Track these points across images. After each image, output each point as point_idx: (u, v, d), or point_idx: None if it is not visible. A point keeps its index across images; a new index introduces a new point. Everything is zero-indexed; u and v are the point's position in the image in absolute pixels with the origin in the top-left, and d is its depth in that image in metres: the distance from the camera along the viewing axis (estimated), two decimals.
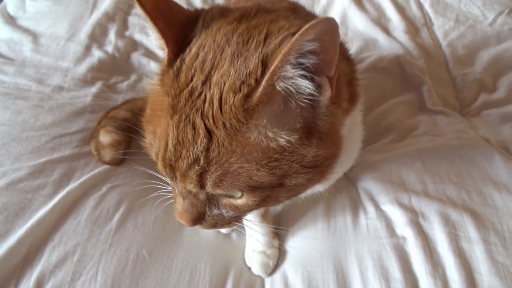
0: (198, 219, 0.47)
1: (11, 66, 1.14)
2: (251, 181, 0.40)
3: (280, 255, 0.81)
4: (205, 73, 0.42)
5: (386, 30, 1.28)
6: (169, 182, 0.49)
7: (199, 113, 0.41)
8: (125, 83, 1.16)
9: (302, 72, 0.38)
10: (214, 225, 0.48)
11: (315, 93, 0.41)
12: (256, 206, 0.45)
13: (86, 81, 1.12)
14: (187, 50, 0.44)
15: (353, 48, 1.25)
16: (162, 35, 0.43)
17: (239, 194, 0.43)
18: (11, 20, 1.35)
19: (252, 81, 0.39)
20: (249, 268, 0.81)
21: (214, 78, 0.41)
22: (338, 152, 0.46)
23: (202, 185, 0.42)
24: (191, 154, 0.40)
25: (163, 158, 0.43)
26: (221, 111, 0.40)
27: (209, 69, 0.42)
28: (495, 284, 0.65)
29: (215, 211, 0.46)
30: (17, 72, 1.12)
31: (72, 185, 0.85)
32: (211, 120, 0.40)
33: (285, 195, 0.46)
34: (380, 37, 1.25)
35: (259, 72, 0.39)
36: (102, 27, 1.30)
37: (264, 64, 0.39)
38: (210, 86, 0.41)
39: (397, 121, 1.04)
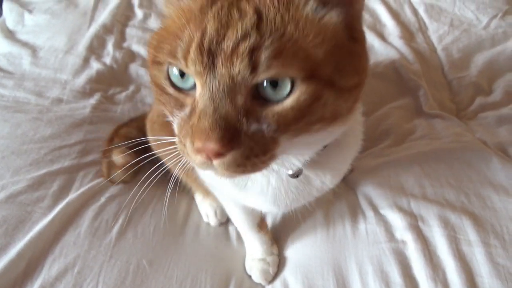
0: (232, 138, 0.36)
1: (10, 79, 1.15)
2: (309, 60, 0.36)
3: (280, 262, 0.81)
4: None
5: (381, 36, 1.29)
6: (189, 94, 0.40)
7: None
8: (123, 94, 1.17)
9: None
10: (248, 155, 0.37)
11: None
12: (305, 109, 0.37)
13: (85, 93, 1.13)
14: None
15: None
16: None
17: (286, 90, 0.37)
18: (10, 34, 1.36)
19: None
20: (250, 276, 0.81)
21: None
22: (364, 75, 0.44)
23: (254, 64, 0.35)
24: (239, 30, 0.36)
25: (199, 46, 0.36)
26: None
27: None
28: (496, 287, 0.65)
29: (254, 126, 0.37)
30: (16, 85, 1.13)
31: (71, 196, 0.86)
32: (258, 0, 0.38)
33: (332, 104, 0.39)
34: (376, 42, 1.27)
35: None
36: (100, 39, 1.31)
37: None
38: None
39: (394, 125, 1.05)
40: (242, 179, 0.57)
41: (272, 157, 0.39)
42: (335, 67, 0.38)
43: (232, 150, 0.36)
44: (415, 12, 1.39)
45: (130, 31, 1.37)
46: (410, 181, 0.89)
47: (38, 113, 1.04)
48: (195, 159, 0.38)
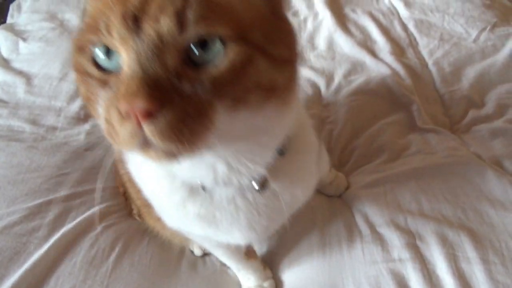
0: (163, 96, 0.32)
1: (4, 108, 1.16)
2: (236, 19, 0.35)
3: (277, 286, 0.80)
4: None
5: (372, 52, 1.31)
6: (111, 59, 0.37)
7: None
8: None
9: None
10: (182, 118, 0.33)
11: None
12: (237, 72, 0.35)
13: (79, 119, 1.14)
14: None
15: (341, 71, 1.27)
16: None
17: (217, 51, 0.35)
18: (5, 63, 1.38)
19: None
20: None
21: None
22: (296, 65, 0.43)
23: (182, 22, 0.33)
24: None
25: (121, 13, 0.34)
26: None
27: None
28: None
29: (186, 87, 0.34)
30: (11, 114, 1.13)
31: (68, 225, 0.86)
32: None
33: (266, 71, 0.37)
34: (367, 59, 1.28)
35: None
36: None
37: None
38: None
39: (388, 141, 1.05)
40: (208, 210, 0.53)
41: (209, 125, 0.35)
42: (263, 34, 0.37)
43: (163, 109, 0.32)
44: (405, 27, 1.41)
45: None
46: (407, 197, 0.89)
47: (34, 141, 1.04)
48: (124, 132, 0.34)
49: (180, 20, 0.33)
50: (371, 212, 0.88)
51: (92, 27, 0.37)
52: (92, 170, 1.00)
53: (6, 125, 1.09)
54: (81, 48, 0.39)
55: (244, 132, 0.40)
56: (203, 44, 0.34)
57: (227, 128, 0.36)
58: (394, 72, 1.21)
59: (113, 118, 0.34)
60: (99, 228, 0.87)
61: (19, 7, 1.76)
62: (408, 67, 1.23)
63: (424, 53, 1.30)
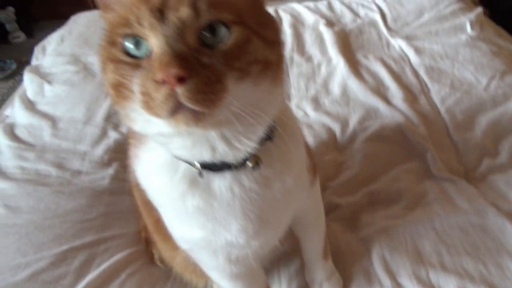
0: (190, 66, 0.41)
1: (31, 151, 1.19)
2: (236, 8, 0.45)
3: None
4: None
5: (385, 99, 1.35)
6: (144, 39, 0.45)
7: None
8: None
9: None
10: (206, 82, 0.42)
11: None
12: (242, 48, 0.45)
13: (103, 163, 1.17)
14: None
15: (355, 116, 1.31)
16: None
17: (224, 34, 0.44)
18: (30, 105, 1.43)
19: None
20: None
21: None
22: (282, 48, 0.53)
23: (196, 10, 0.43)
24: None
25: (149, 7, 0.43)
26: None
27: None
28: None
29: (205, 59, 0.43)
30: (38, 157, 1.17)
31: (93, 273, 0.87)
32: None
33: (262, 48, 0.47)
34: (381, 106, 1.32)
35: None
36: None
37: None
38: None
39: (406, 188, 1.07)
40: (206, 201, 0.57)
41: (224, 90, 0.44)
42: (256, 20, 0.48)
43: (191, 75, 0.41)
44: (416, 74, 1.46)
45: None
46: (427, 247, 0.90)
47: (60, 185, 1.07)
48: (159, 97, 0.41)
49: (196, 9, 0.43)
50: (392, 260, 0.89)
51: (121, 23, 0.46)
52: (116, 215, 1.03)
53: (34, 169, 1.12)
54: (113, 42, 0.47)
55: (246, 101, 0.47)
56: (212, 29, 0.44)
57: (236, 93, 0.45)
58: (408, 119, 1.24)
59: (150, 87, 0.42)
60: (123, 276, 0.89)
61: (43, 49, 1.84)
62: (421, 114, 1.27)
63: (436, 100, 1.34)
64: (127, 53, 0.46)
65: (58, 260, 0.89)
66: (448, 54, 1.52)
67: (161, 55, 0.42)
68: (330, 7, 1.93)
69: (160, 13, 0.43)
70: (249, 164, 0.56)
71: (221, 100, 0.44)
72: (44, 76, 1.57)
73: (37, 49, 1.85)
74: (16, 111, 1.40)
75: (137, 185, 0.66)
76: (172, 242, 0.71)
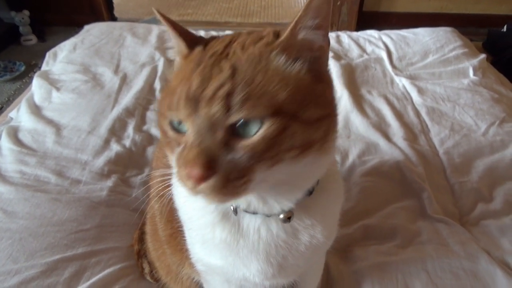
0: (212, 164, 0.43)
1: (33, 157, 1.20)
2: (272, 104, 0.44)
3: None
4: (225, 43, 0.52)
5: (386, 136, 1.37)
6: (179, 131, 0.49)
7: (225, 59, 0.48)
8: (139, 177, 1.22)
9: (314, 27, 0.49)
10: (227, 179, 0.44)
11: (321, 44, 0.51)
12: (273, 140, 0.44)
13: (103, 175, 1.18)
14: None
15: (355, 150, 1.33)
16: (179, 34, 0.55)
17: (255, 127, 0.45)
18: (36, 110, 1.44)
19: (271, 36, 0.51)
20: None
21: (234, 44, 0.51)
22: (334, 118, 0.53)
23: (228, 107, 0.44)
24: (217, 82, 0.45)
25: (186, 96, 0.46)
26: (243, 52, 0.49)
27: (229, 41, 0.52)
28: None
29: (230, 156, 0.44)
30: (38, 163, 1.18)
31: (82, 286, 0.87)
32: (234, 58, 0.48)
33: (300, 134, 0.46)
34: (381, 141, 1.34)
35: (271, 36, 0.51)
36: (122, 121, 1.39)
37: (276, 34, 0.51)
38: (231, 46, 0.50)
39: (400, 226, 1.08)
40: (234, 236, 0.60)
41: (248, 182, 0.45)
42: (298, 104, 0.46)
43: (213, 175, 0.44)
44: (417, 113, 1.49)
45: (150, 115, 1.46)
46: None
47: (58, 193, 1.08)
48: (187, 184, 0.46)
49: (227, 105, 0.44)
50: None
51: (169, 100, 0.49)
52: (111, 228, 1.03)
53: (34, 174, 1.13)
54: (162, 114, 0.51)
55: (283, 178, 0.49)
56: (245, 122, 0.45)
57: (266, 179, 0.47)
58: (407, 158, 1.26)
59: (181, 175, 0.46)
60: None
61: (55, 56, 1.86)
62: (420, 153, 1.29)
63: (436, 141, 1.36)
64: (173, 126, 0.50)
65: (49, 270, 0.88)
66: (450, 97, 1.55)
67: (190, 147, 0.45)
68: (338, 40, 1.98)
69: (195, 103, 0.45)
70: (281, 217, 0.58)
71: (242, 191, 0.46)
72: (53, 83, 1.59)
73: (49, 55, 1.87)
74: (21, 115, 1.41)
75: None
76: (180, 256, 0.73)
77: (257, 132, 0.44)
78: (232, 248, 0.60)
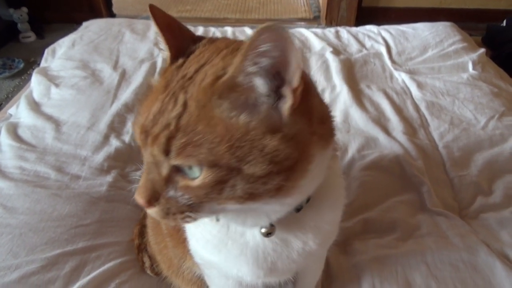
0: (153, 198, 0.47)
1: (32, 153, 1.20)
2: (210, 156, 0.43)
3: None
4: (200, 64, 0.49)
5: (386, 130, 1.37)
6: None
7: (184, 90, 0.46)
8: (138, 173, 1.21)
9: (261, 72, 0.43)
10: (166, 212, 0.47)
11: (271, 94, 0.44)
12: (212, 188, 0.44)
13: (102, 170, 1.18)
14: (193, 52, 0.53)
15: (355, 144, 1.33)
16: (166, 42, 0.53)
17: (198, 171, 0.44)
18: (35, 106, 1.44)
19: (227, 71, 0.45)
20: None
21: (205, 67, 0.48)
22: (302, 161, 0.47)
23: (167, 151, 0.44)
24: (165, 120, 0.45)
25: (142, 126, 0.47)
26: (199, 87, 0.45)
27: (204, 62, 0.49)
28: None
29: (171, 193, 0.46)
30: (38, 159, 1.17)
31: (82, 280, 0.87)
32: (189, 95, 0.45)
33: (242, 187, 0.44)
34: (380, 136, 1.34)
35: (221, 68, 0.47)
36: (121, 117, 1.38)
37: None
38: (199, 72, 0.47)
39: (399, 219, 1.08)
40: (224, 237, 0.60)
41: (188, 217, 0.48)
42: (241, 159, 0.43)
43: (153, 207, 0.48)
44: (417, 108, 1.49)
45: None
46: (417, 280, 0.91)
47: (58, 189, 1.08)
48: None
49: (166, 150, 0.45)
50: None
51: (136, 117, 0.50)
52: (111, 223, 1.03)
53: (33, 170, 1.13)
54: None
55: (241, 210, 0.49)
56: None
57: (217, 212, 0.49)
58: (406, 152, 1.26)
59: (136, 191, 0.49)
60: (112, 285, 0.88)
61: (53, 52, 1.86)
62: (419, 148, 1.29)
63: (435, 135, 1.36)
64: None
65: (49, 264, 0.88)
66: (449, 91, 1.55)
67: (142, 175, 0.49)
68: (338, 35, 1.98)
69: (146, 137, 0.46)
70: (262, 231, 0.57)
71: (189, 222, 0.49)
72: (52, 79, 1.58)
73: (47, 51, 1.87)
74: (20, 111, 1.41)
75: None
76: (182, 249, 0.73)
77: (197, 178, 0.45)
78: (222, 248, 0.61)
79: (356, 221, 1.08)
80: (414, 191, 1.16)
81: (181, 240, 0.72)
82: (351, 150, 1.31)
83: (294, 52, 0.41)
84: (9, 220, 0.97)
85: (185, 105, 0.45)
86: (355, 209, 1.12)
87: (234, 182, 0.44)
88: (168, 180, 0.47)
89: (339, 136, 1.38)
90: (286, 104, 0.44)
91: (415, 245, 1.00)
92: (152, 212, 0.49)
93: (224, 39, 0.56)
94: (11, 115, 1.49)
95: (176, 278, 0.87)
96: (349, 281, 0.94)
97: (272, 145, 0.44)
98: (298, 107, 0.45)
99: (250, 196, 0.45)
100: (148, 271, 0.95)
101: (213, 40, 0.55)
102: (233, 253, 0.60)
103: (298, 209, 0.56)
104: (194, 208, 0.47)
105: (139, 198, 0.47)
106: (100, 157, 1.22)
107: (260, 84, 0.44)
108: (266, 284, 0.71)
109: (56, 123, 1.33)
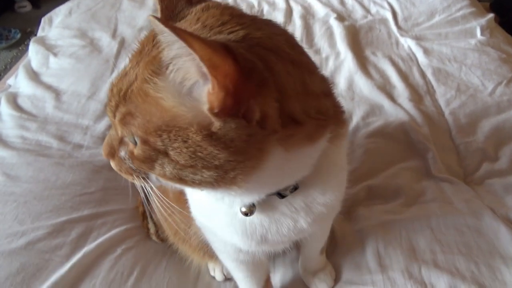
0: (110, 154, 0.52)
1: (34, 122, 1.19)
2: (141, 131, 0.43)
3: None
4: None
5: (391, 97, 1.35)
6: None
7: (145, 56, 0.45)
8: None
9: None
10: (119, 169, 0.52)
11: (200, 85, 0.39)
12: (143, 162, 0.46)
13: (104, 139, 1.16)
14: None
15: (359, 112, 1.31)
16: (159, 2, 0.52)
17: (136, 142, 0.45)
18: (34, 76, 1.42)
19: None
20: None
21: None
22: (251, 160, 0.42)
23: (115, 115, 0.47)
24: (120, 85, 0.46)
25: (111, 85, 0.49)
26: (147, 60, 0.44)
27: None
28: None
29: (122, 153, 0.50)
30: (39, 128, 1.17)
31: (89, 246, 0.88)
32: (141, 64, 0.44)
33: (171, 171, 0.44)
34: (386, 103, 1.32)
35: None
36: None
37: None
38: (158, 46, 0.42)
39: (404, 185, 1.08)
40: (213, 207, 0.60)
41: (137, 178, 0.50)
42: (166, 143, 0.42)
43: (112, 160, 0.52)
44: (423, 75, 1.46)
45: None
46: (421, 244, 0.91)
47: (60, 158, 1.07)
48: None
49: (114, 115, 0.47)
50: (385, 254, 0.90)
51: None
52: (115, 190, 1.03)
53: (35, 139, 1.12)
54: None
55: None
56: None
57: (163, 184, 0.51)
58: (412, 119, 1.24)
59: None
60: (118, 251, 0.89)
61: (50, 21, 1.82)
62: (425, 114, 1.27)
63: (441, 102, 1.34)
64: None
65: (55, 231, 0.89)
66: (456, 58, 1.51)
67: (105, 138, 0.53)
68: (342, 1, 1.92)
69: (109, 100, 0.48)
70: (243, 210, 0.55)
71: (142, 182, 0.51)
72: (49, 48, 1.55)
73: (44, 20, 1.82)
74: (19, 81, 1.39)
75: None
76: (188, 214, 0.72)
77: (136, 148, 0.46)
78: (214, 216, 0.61)
79: (361, 188, 1.08)
80: (419, 157, 1.15)
81: (187, 205, 0.71)
82: (356, 118, 1.30)
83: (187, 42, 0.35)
84: (13, 188, 0.97)
85: (136, 76, 0.44)
86: (359, 176, 1.11)
87: (162, 163, 0.45)
88: (121, 142, 0.50)
89: (343, 103, 1.35)
90: (205, 106, 0.38)
91: (419, 211, 0.99)
92: (112, 165, 0.53)
93: (217, 8, 0.49)
94: (10, 85, 1.47)
95: (182, 245, 0.88)
96: (353, 246, 0.94)
97: (195, 140, 0.40)
98: (234, 110, 0.38)
99: (181, 181, 0.45)
100: (154, 237, 0.96)
101: (208, 7, 0.50)
102: (224, 222, 0.60)
103: (283, 196, 0.54)
104: (140, 173, 0.49)
105: (103, 151, 0.53)
106: (101, 126, 1.21)
107: (187, 71, 0.39)
108: (265, 251, 0.71)
109: (56, 93, 1.32)
